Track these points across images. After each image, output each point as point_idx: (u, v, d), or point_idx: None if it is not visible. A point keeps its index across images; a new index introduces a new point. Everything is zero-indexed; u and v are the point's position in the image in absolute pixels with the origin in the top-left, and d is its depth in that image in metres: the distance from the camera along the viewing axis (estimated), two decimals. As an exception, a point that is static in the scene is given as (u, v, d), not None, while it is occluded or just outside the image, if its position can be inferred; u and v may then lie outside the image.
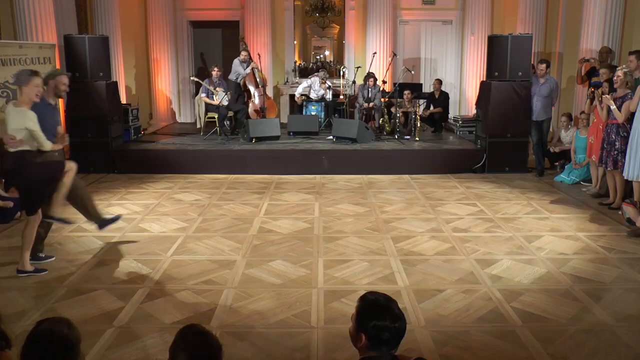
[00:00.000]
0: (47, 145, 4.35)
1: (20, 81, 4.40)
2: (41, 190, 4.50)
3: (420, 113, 10.30)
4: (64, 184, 4.65)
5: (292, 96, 11.35)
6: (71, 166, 4.72)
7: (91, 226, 5.33)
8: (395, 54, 10.79)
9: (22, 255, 4.50)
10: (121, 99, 9.35)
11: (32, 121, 4.25)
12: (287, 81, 12.16)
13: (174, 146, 8.93)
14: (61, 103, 8.39)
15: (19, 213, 6.04)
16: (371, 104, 9.87)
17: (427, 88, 11.64)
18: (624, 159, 6.02)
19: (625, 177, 6.04)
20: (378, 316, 2.04)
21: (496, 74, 8.28)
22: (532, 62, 8.76)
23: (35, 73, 4.37)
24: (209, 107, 9.79)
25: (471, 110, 11.07)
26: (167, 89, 12.13)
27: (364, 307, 2.10)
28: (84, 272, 4.57)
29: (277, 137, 9.14)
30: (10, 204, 5.95)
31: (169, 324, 3.67)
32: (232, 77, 10.11)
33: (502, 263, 4.76)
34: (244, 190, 7.36)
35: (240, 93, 10.24)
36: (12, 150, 4.28)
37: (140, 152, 8.69)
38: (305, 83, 10.62)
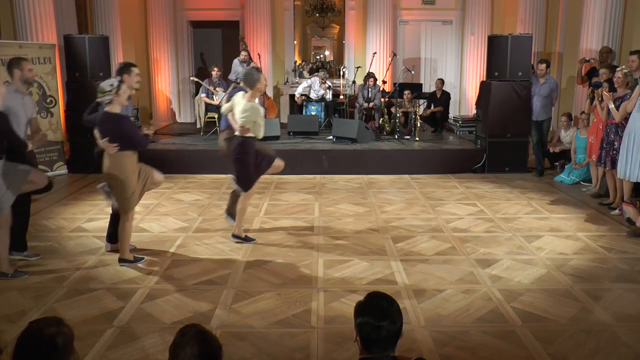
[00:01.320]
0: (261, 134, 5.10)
1: (253, 81, 5.03)
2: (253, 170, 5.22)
3: (421, 112, 10.31)
4: (277, 166, 5.44)
5: (292, 96, 11.35)
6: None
7: (91, 226, 5.32)
8: (395, 54, 10.79)
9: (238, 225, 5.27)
10: (121, 99, 9.33)
11: (261, 117, 5.04)
12: (287, 81, 12.16)
13: (174, 146, 8.93)
14: (61, 103, 8.41)
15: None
16: (371, 104, 9.88)
17: (427, 88, 11.65)
18: (619, 156, 6.03)
19: (619, 176, 6.05)
20: (366, 313, 2.07)
21: (496, 74, 8.28)
22: (532, 62, 8.76)
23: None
24: (209, 107, 9.79)
25: (471, 110, 11.07)
26: (167, 89, 12.13)
27: (360, 303, 2.14)
28: (84, 272, 4.57)
29: (277, 137, 9.14)
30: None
31: (169, 324, 3.67)
32: (232, 77, 10.09)
33: (502, 263, 4.76)
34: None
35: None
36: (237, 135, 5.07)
37: (140, 152, 8.66)
38: (305, 83, 10.62)
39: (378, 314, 2.04)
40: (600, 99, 6.53)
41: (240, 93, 5.19)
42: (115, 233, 4.84)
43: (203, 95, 9.78)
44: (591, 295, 4.12)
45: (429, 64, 12.47)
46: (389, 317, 2.04)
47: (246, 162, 5.13)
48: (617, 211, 6.16)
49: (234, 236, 5.32)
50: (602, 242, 5.31)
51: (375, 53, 10.80)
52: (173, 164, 8.37)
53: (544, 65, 8.09)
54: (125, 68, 4.82)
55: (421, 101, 10.76)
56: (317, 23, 12.64)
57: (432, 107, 10.43)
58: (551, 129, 8.94)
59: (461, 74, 12.30)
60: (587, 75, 8.22)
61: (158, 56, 11.92)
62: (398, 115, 9.62)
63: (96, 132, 4.57)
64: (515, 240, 5.37)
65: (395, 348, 2.08)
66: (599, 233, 5.58)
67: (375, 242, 5.30)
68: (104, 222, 5.93)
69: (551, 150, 8.42)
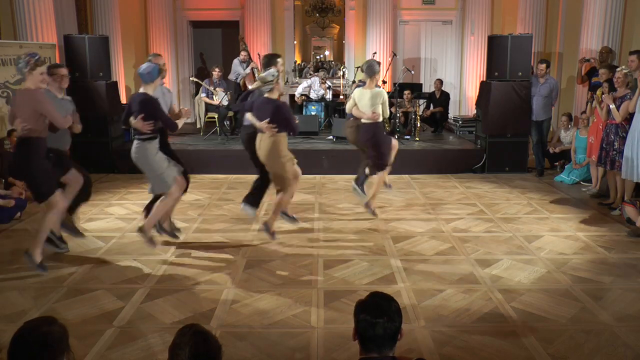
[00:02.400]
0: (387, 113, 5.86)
1: (374, 72, 5.67)
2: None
3: (421, 113, 10.31)
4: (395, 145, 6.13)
5: (292, 96, 11.36)
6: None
7: (91, 226, 5.33)
8: (395, 54, 10.78)
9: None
10: (121, 99, 9.34)
11: (386, 99, 5.74)
12: (287, 81, 12.16)
13: (174, 146, 8.87)
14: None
15: (19, 213, 6.04)
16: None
17: (427, 88, 11.64)
18: (622, 159, 6.02)
19: (622, 176, 6.05)
20: (364, 310, 2.09)
21: (496, 74, 8.28)
22: (532, 63, 8.76)
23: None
24: (209, 107, 9.79)
25: (471, 110, 11.07)
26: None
27: (360, 301, 2.16)
28: (84, 272, 4.56)
29: (277, 137, 9.12)
30: (12, 202, 5.93)
31: (169, 324, 3.67)
32: (232, 77, 10.11)
33: (502, 263, 4.76)
34: (244, 190, 7.30)
35: (240, 93, 10.22)
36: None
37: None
38: (305, 83, 10.62)
39: (375, 311, 2.06)
40: (600, 100, 6.53)
41: (359, 89, 5.89)
42: (256, 197, 5.50)
43: (203, 95, 9.78)
44: (591, 295, 4.12)
45: (429, 64, 12.47)
46: (387, 315, 2.05)
47: (380, 144, 5.82)
48: (617, 211, 6.16)
49: (366, 205, 6.07)
50: (602, 242, 5.31)
51: (375, 53, 10.80)
52: (173, 164, 8.36)
53: (544, 65, 8.09)
54: (273, 59, 5.44)
55: (421, 101, 10.75)
56: (317, 23, 12.66)
57: (431, 108, 10.43)
58: (551, 129, 8.94)
59: (461, 74, 12.30)
60: (587, 75, 8.22)
61: (158, 56, 11.90)
62: (398, 115, 9.62)
63: (250, 116, 5.16)
64: (515, 240, 5.37)
65: (394, 348, 2.08)
66: (599, 233, 5.58)
67: (375, 242, 5.30)
68: (104, 222, 5.96)
69: (551, 150, 8.42)
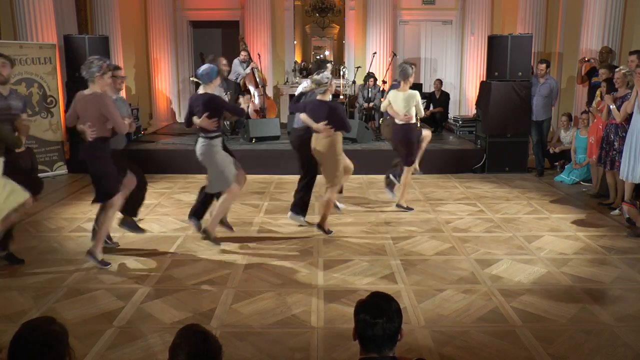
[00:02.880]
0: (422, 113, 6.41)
1: (407, 75, 6.08)
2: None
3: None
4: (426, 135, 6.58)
5: (292, 96, 11.34)
6: None
7: (91, 226, 5.31)
8: (395, 54, 10.78)
9: None
10: (121, 99, 9.34)
11: (419, 100, 6.18)
12: (287, 81, 12.15)
13: (174, 146, 8.93)
14: (61, 103, 8.40)
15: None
16: (371, 104, 9.87)
17: (427, 88, 11.63)
18: (621, 159, 6.02)
19: (621, 178, 6.04)
20: (363, 310, 2.09)
21: (496, 74, 8.28)
22: (532, 63, 8.76)
23: None
24: (209, 107, 9.77)
25: (471, 110, 11.07)
26: (167, 89, 12.13)
27: (360, 301, 2.16)
28: (84, 272, 4.57)
29: (277, 137, 9.14)
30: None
31: (169, 324, 3.67)
32: (232, 77, 10.09)
33: (502, 263, 4.76)
34: (244, 190, 7.33)
35: (240, 93, 10.22)
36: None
37: (141, 152, 8.68)
38: (305, 83, 10.57)
39: (375, 311, 2.06)
40: (600, 98, 6.53)
41: (393, 90, 6.29)
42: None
43: (203, 95, 9.76)
44: (591, 295, 4.12)
45: (429, 64, 12.47)
46: (386, 315, 2.05)
47: (411, 142, 6.17)
48: (617, 211, 6.16)
49: (398, 205, 6.35)
50: (602, 242, 5.31)
51: (375, 53, 10.80)
52: (173, 164, 8.37)
53: (543, 65, 8.09)
54: (324, 64, 5.85)
55: (421, 101, 10.72)
56: (317, 23, 12.64)
57: (431, 108, 10.43)
58: (551, 129, 8.94)
59: (461, 74, 12.29)
60: (587, 75, 8.21)
61: (158, 56, 11.91)
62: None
63: (305, 117, 5.38)
64: (515, 240, 5.37)
65: (393, 348, 2.08)
66: (599, 233, 5.58)
67: (375, 242, 5.30)
68: (104, 222, 5.94)
69: (551, 150, 8.42)
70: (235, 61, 10.09)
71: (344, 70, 11.34)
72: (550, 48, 10.89)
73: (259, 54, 10.76)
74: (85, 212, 6.28)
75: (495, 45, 8.33)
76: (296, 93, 10.43)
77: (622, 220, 5.84)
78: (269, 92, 11.34)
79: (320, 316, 3.79)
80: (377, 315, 2.04)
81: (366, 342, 2.07)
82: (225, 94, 9.56)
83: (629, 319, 3.77)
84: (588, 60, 8.23)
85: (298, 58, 12.71)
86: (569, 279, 4.43)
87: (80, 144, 4.78)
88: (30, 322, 2.03)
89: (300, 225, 5.77)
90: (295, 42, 12.44)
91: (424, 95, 10.77)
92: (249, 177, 8.05)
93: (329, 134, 5.26)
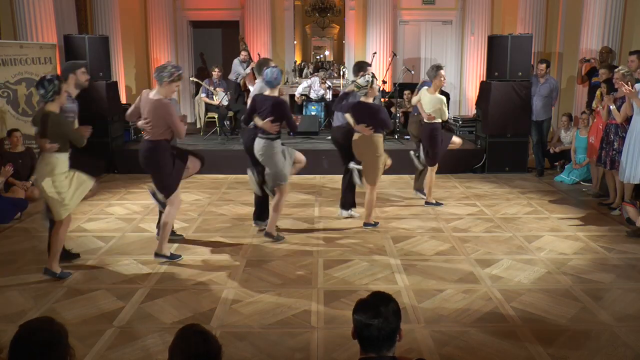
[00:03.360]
0: (446, 116, 6.52)
1: (433, 76, 6.28)
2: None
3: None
4: (456, 142, 6.74)
5: (292, 96, 11.36)
6: None
7: (91, 226, 5.32)
8: (395, 54, 10.77)
9: None
10: (121, 99, 9.35)
11: (444, 103, 6.34)
12: (287, 81, 12.16)
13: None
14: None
15: (19, 213, 6.04)
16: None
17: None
18: (620, 161, 6.02)
19: (621, 180, 6.03)
20: (360, 310, 2.09)
21: (496, 74, 8.28)
22: (532, 62, 8.76)
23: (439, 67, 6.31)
24: (209, 107, 9.79)
25: (471, 110, 11.07)
26: (167, 89, 12.10)
27: (359, 300, 2.16)
28: (84, 272, 4.56)
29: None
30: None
31: (169, 324, 3.67)
32: (232, 77, 10.11)
33: (502, 263, 4.76)
34: (244, 190, 7.36)
35: (240, 93, 10.23)
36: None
37: (138, 151, 8.66)
38: (305, 83, 10.61)
39: (371, 312, 2.06)
40: (600, 98, 6.53)
41: (425, 87, 6.46)
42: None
43: (203, 95, 9.78)
44: (591, 295, 4.12)
45: (429, 64, 12.34)
46: (382, 316, 2.04)
47: (436, 141, 6.35)
48: (617, 211, 6.16)
49: (427, 203, 6.60)
50: (602, 242, 5.31)
51: (375, 53, 10.78)
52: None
53: (544, 65, 8.09)
54: (364, 66, 5.92)
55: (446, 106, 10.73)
56: (317, 23, 12.64)
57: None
58: (551, 129, 8.94)
59: (461, 74, 12.28)
60: (587, 75, 8.21)
61: (158, 56, 11.91)
62: (398, 115, 9.62)
63: (349, 117, 5.59)
64: (515, 240, 5.37)
65: (392, 348, 2.07)
66: (599, 233, 5.58)
67: (375, 242, 5.30)
68: (104, 223, 5.95)
69: (551, 150, 8.42)
70: (235, 61, 10.09)
71: (343, 70, 11.35)
72: (550, 48, 10.89)
73: (259, 54, 10.73)
74: (85, 212, 6.27)
75: (495, 45, 8.33)
76: (296, 93, 10.59)
77: (622, 220, 5.84)
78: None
79: (320, 316, 3.79)
80: (372, 316, 2.04)
81: (364, 342, 2.07)
82: (225, 94, 9.60)
83: (629, 319, 3.77)
84: (588, 60, 8.22)
85: (298, 58, 12.71)
86: (569, 279, 4.43)
87: (140, 142, 5.02)
88: (30, 323, 2.02)
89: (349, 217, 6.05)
90: (295, 42, 12.45)
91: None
92: (249, 177, 8.07)
93: (369, 134, 5.45)
